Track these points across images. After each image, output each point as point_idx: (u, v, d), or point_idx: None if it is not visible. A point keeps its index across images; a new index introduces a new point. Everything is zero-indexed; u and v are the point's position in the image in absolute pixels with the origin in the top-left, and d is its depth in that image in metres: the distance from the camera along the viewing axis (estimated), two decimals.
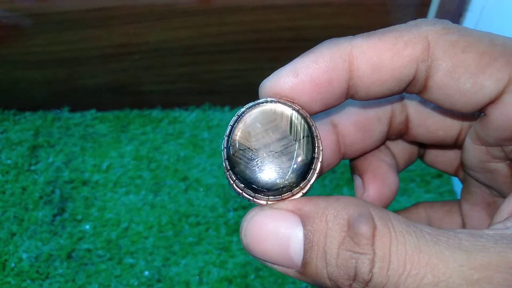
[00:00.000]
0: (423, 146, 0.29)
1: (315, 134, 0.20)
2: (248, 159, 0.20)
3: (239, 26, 0.66)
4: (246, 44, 0.68)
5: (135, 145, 0.70)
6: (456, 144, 0.25)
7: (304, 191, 0.20)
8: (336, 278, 0.18)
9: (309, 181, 0.20)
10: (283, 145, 0.20)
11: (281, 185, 0.20)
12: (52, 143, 0.70)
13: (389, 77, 0.20)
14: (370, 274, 0.17)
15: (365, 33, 0.21)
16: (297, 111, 0.20)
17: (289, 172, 0.20)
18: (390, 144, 0.28)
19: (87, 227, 0.61)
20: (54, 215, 0.61)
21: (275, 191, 0.20)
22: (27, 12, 0.64)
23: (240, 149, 0.20)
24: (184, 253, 0.58)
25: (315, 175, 0.20)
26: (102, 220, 0.61)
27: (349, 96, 0.22)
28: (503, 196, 0.24)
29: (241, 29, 0.66)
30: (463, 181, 0.27)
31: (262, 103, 0.20)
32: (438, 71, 0.20)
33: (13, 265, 0.56)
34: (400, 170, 0.28)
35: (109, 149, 0.69)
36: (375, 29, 0.21)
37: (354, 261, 0.17)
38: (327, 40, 0.21)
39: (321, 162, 0.20)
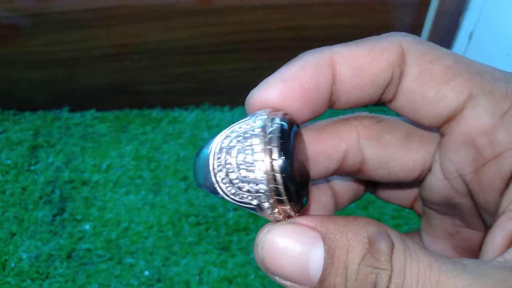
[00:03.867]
0: (376, 183, 0.28)
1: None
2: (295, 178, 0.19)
3: (239, 26, 0.66)
4: (245, 44, 0.68)
5: (135, 145, 0.70)
6: (417, 181, 0.25)
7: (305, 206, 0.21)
8: None
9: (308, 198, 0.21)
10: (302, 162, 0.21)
11: (303, 200, 0.20)
12: (52, 143, 0.70)
13: (369, 82, 0.21)
14: None
15: (344, 43, 0.22)
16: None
17: (308, 188, 0.20)
18: (332, 182, 0.28)
19: (87, 227, 0.61)
20: (54, 215, 0.61)
21: (299, 206, 0.20)
22: (27, 12, 0.64)
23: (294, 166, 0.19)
24: (184, 253, 0.58)
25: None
26: (102, 220, 0.61)
27: (331, 103, 0.22)
28: (468, 226, 0.25)
29: (241, 29, 0.66)
30: (422, 214, 0.27)
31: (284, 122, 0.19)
32: (406, 76, 0.21)
33: (13, 265, 0.56)
34: (343, 207, 0.28)
35: (109, 149, 0.69)
36: (375, 29, 0.22)
37: (374, 276, 0.18)
38: (308, 50, 0.22)
39: None
